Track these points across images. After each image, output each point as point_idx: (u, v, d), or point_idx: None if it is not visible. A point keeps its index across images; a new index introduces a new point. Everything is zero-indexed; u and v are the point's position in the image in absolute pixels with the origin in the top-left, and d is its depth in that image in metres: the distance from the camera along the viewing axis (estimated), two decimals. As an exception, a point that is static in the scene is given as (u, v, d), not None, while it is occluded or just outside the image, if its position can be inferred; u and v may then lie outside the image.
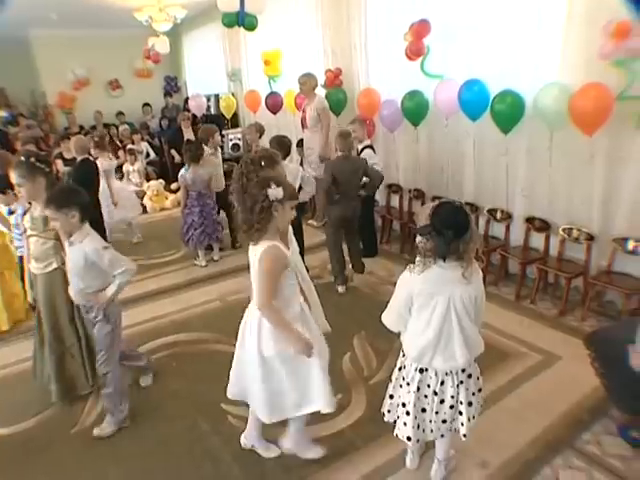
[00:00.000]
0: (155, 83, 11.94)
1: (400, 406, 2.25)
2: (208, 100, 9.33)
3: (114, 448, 2.87)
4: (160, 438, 2.91)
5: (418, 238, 2.00)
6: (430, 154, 5.30)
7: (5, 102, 11.10)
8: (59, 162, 7.60)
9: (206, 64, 10.52)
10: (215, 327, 4.09)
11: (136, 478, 2.67)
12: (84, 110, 10.81)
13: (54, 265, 3.03)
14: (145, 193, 7.89)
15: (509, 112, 4.11)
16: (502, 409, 2.90)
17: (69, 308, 3.10)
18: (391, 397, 2.35)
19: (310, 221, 6.55)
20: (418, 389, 2.14)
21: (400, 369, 2.28)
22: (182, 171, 5.28)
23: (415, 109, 5.00)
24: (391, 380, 2.38)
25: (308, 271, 4.31)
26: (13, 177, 2.90)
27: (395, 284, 2.18)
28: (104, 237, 5.53)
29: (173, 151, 8.57)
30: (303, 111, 6.16)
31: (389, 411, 2.37)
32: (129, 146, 8.53)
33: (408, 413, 2.17)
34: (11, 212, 4.17)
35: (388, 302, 2.22)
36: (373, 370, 3.41)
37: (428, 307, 2.01)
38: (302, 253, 4.20)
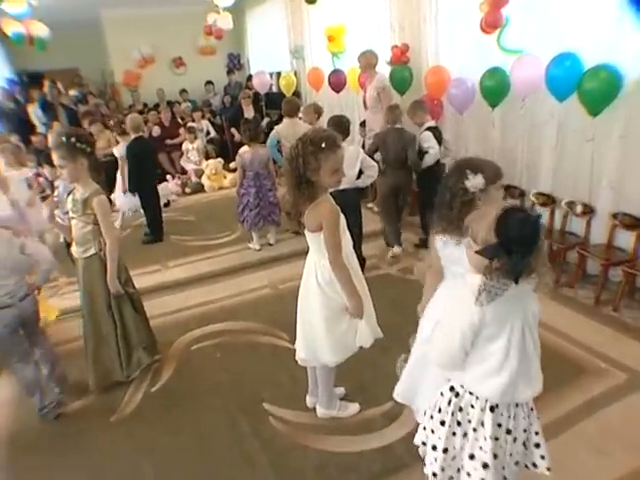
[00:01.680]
0: (218, 60, 11.87)
1: (466, 460, 1.72)
2: (270, 77, 9.16)
3: (151, 439, 2.77)
4: (198, 434, 2.77)
5: (472, 255, 1.54)
6: (503, 138, 4.83)
7: (78, 82, 11.39)
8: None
9: (269, 41, 10.31)
10: (263, 317, 3.92)
11: (169, 474, 2.55)
12: (149, 88, 10.92)
13: (92, 250, 2.93)
14: (203, 172, 7.82)
15: (601, 90, 3.59)
16: (577, 436, 2.52)
17: (106, 295, 3.00)
18: (434, 448, 1.80)
19: (370, 204, 6.23)
20: (496, 438, 1.67)
21: (448, 412, 1.75)
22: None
23: (496, 88, 4.51)
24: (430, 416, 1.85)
25: (365, 262, 4.10)
26: (55, 159, 2.78)
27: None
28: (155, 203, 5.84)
29: (233, 129, 8.50)
30: (365, 90, 5.86)
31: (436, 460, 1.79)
32: (189, 124, 8.47)
33: (486, 466, 1.67)
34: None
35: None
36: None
37: (502, 336, 1.59)
38: (360, 241, 4.00)
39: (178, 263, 5.16)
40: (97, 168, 2.93)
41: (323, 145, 2.16)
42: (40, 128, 8.73)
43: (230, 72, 11.32)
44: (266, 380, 3.17)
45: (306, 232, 2.35)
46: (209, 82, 10.80)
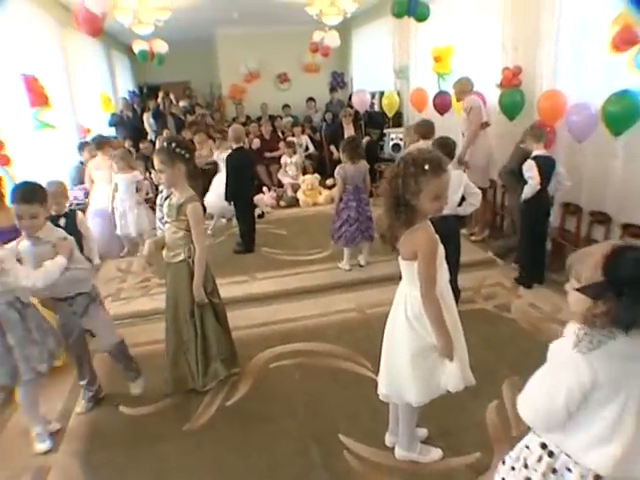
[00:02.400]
0: (322, 78, 12.06)
1: None
2: (373, 97, 9.12)
3: (219, 456, 2.70)
4: (267, 457, 2.66)
5: (574, 296, 1.32)
6: (626, 169, 4.36)
7: (188, 94, 12.05)
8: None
9: (373, 60, 10.32)
10: (347, 341, 3.76)
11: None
12: (252, 102, 11.32)
13: (181, 256, 2.95)
14: (299, 186, 7.87)
15: None
16: None
17: (190, 303, 3.00)
18: None
19: (473, 237, 5.91)
20: None
21: (538, 470, 1.49)
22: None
23: (622, 114, 4.05)
24: None
25: (459, 294, 3.83)
26: (155, 163, 2.84)
27: (561, 323, 1.57)
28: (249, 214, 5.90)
29: (332, 147, 8.50)
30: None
31: None
32: (289, 138, 8.59)
33: None
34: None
35: (548, 344, 1.47)
36: (524, 429, 2.78)
37: (615, 400, 1.32)
38: (456, 272, 3.75)
39: (267, 276, 5.14)
40: (194, 175, 2.95)
41: (426, 167, 1.98)
42: (151, 135, 9.30)
43: (333, 90, 11.43)
44: (344, 410, 3.00)
45: (400, 259, 2.20)
46: (311, 99, 10.97)
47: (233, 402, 3.14)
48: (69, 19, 7.59)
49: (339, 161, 8.18)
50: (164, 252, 3.05)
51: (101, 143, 5.91)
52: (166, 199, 3.02)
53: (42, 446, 2.81)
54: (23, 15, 6.07)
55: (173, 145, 2.79)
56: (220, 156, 6.09)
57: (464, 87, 5.50)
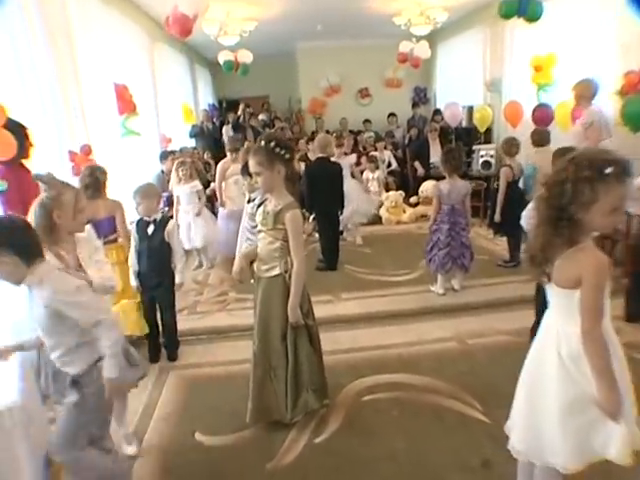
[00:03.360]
0: (404, 93, 11.69)
1: None
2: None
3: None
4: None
5: None
6: None
7: (267, 108, 12.04)
8: (302, 164, 7.74)
9: (460, 73, 9.83)
10: (448, 375, 3.29)
11: None
12: (332, 116, 11.12)
13: (277, 270, 2.61)
14: (382, 203, 7.48)
15: None
16: None
17: (283, 324, 2.65)
18: None
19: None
20: None
21: None
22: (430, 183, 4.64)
23: None
24: None
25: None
26: (251, 165, 2.53)
27: None
28: (332, 229, 5.56)
29: (417, 163, 8.09)
30: (575, 125, 5.07)
31: None
32: (371, 153, 8.24)
33: None
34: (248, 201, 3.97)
35: None
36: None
37: None
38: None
39: (352, 296, 4.76)
40: (294, 179, 2.63)
41: (607, 171, 1.53)
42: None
43: (415, 105, 11.03)
44: (452, 458, 2.55)
45: (551, 286, 1.75)
46: (392, 114, 10.60)
47: (323, 439, 2.76)
48: (158, 32, 7.71)
49: (424, 178, 7.90)
50: (255, 265, 2.73)
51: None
52: (259, 206, 2.71)
53: (131, 448, 2.66)
54: (116, 27, 6.13)
55: (272, 144, 2.47)
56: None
57: (584, 91, 4.91)
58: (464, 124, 8.58)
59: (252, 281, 3.26)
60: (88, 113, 4.83)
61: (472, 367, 3.40)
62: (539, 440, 1.82)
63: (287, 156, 2.51)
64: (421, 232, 6.85)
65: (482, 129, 7.64)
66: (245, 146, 5.41)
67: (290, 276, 2.58)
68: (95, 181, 3.69)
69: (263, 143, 2.48)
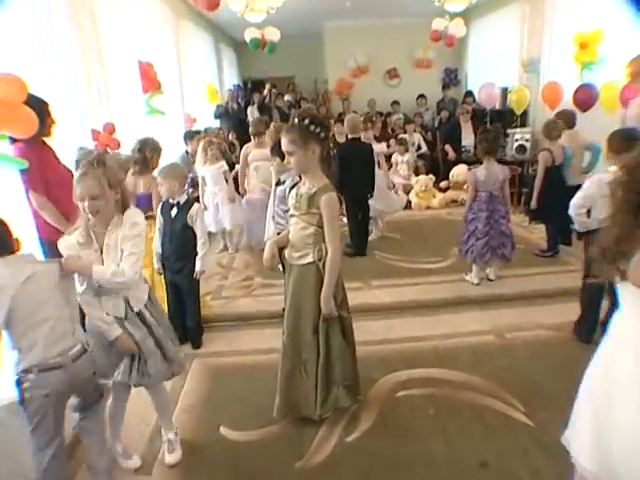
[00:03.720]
0: (433, 74, 11.28)
1: None
2: (493, 93, 8.30)
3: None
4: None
5: None
6: None
7: (292, 88, 11.80)
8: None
9: (495, 53, 9.38)
10: (487, 372, 3.10)
11: None
12: (359, 97, 10.77)
13: (309, 258, 2.43)
14: (412, 187, 7.23)
15: None
16: None
17: (316, 315, 2.47)
18: None
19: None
20: None
21: None
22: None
23: None
24: None
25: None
26: (283, 143, 2.34)
27: None
28: (361, 213, 5.31)
29: (448, 146, 7.80)
30: (626, 107, 4.71)
31: None
32: (400, 135, 7.96)
33: None
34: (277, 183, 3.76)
35: None
36: None
37: None
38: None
39: (382, 284, 4.56)
40: (329, 160, 2.44)
41: None
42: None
43: (445, 87, 10.64)
44: (496, 464, 2.37)
45: (624, 284, 1.53)
46: (421, 96, 10.24)
47: (355, 438, 2.61)
48: (183, 9, 7.52)
49: (455, 162, 7.61)
50: (287, 251, 2.56)
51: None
52: (292, 188, 2.53)
53: (172, 457, 2.50)
54: (141, 3, 5.95)
55: (307, 121, 2.27)
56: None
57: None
58: (497, 106, 8.22)
59: (280, 268, 3.11)
60: (112, 91, 4.68)
61: (511, 363, 3.21)
62: (618, 460, 1.58)
63: (322, 135, 2.32)
64: (451, 218, 6.65)
65: (519, 111, 7.28)
66: (272, 126, 5.21)
67: (324, 264, 2.40)
68: (143, 158, 3.63)
69: (296, 120, 2.30)
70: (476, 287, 4.41)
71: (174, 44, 7.29)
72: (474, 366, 3.18)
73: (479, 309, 4.01)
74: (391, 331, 3.70)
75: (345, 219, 5.38)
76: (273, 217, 3.93)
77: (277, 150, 3.53)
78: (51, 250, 2.97)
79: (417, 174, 7.58)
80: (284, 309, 2.65)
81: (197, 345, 3.62)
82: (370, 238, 5.65)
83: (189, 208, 3.42)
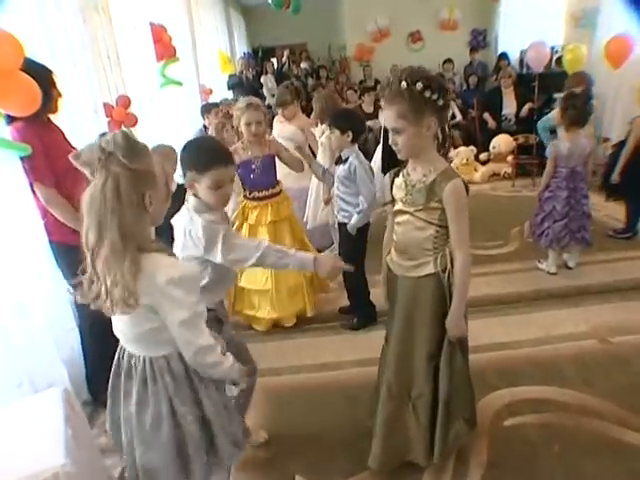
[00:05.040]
0: (459, 37, 10.45)
1: None
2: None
3: None
4: None
5: None
6: None
7: (306, 55, 11.07)
8: None
9: (532, 8, 8.46)
10: (606, 390, 2.53)
11: None
12: (381, 63, 9.95)
13: (429, 268, 1.82)
14: (451, 160, 6.56)
15: None
16: None
17: (433, 337, 1.88)
18: None
19: None
20: None
21: None
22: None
23: None
24: None
25: None
26: (389, 118, 1.72)
27: None
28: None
29: (487, 115, 7.11)
30: None
31: None
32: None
33: None
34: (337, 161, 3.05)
35: None
36: None
37: None
38: None
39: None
40: (445, 136, 1.81)
41: None
42: (269, 100, 8.48)
43: (473, 50, 9.85)
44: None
45: None
46: (448, 60, 9.47)
47: (467, 487, 2.04)
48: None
49: (495, 132, 6.93)
50: (390, 258, 1.95)
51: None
52: (395, 177, 1.90)
53: None
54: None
55: (420, 85, 1.62)
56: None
57: None
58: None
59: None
60: (123, 57, 4.01)
61: (631, 378, 2.63)
62: None
63: (441, 102, 1.67)
64: (497, 194, 6.09)
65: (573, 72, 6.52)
66: (319, 93, 4.51)
67: (449, 275, 1.79)
68: None
69: (405, 84, 1.64)
70: (554, 277, 3.81)
71: (185, 5, 6.52)
72: (587, 383, 2.61)
73: (564, 305, 3.42)
74: (471, 336, 3.09)
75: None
76: (326, 202, 3.32)
77: (336, 121, 2.89)
78: (65, 255, 2.38)
79: (454, 146, 6.90)
80: (386, 338, 2.06)
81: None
82: None
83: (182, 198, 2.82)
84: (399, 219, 1.86)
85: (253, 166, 3.12)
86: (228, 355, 1.51)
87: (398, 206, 1.85)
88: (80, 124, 3.16)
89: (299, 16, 9.77)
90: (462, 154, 6.55)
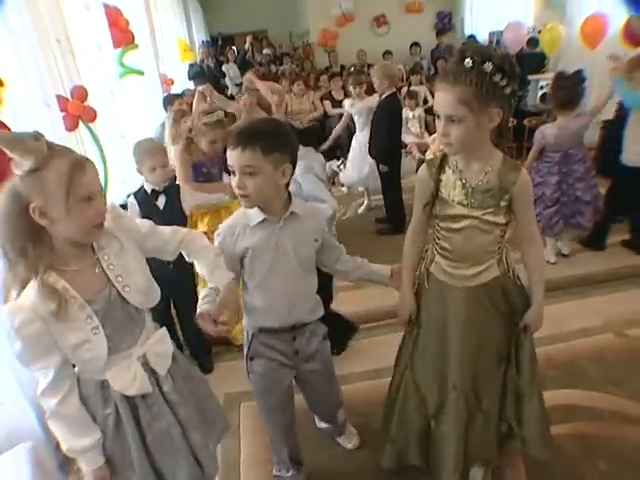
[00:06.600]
0: (425, 20, 10.26)
1: None
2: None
3: None
4: None
5: None
6: None
7: (267, 42, 10.70)
8: (327, 103, 6.63)
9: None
10: (631, 389, 2.34)
11: None
12: (346, 49, 9.72)
13: (494, 271, 1.60)
14: (427, 147, 6.33)
15: None
16: None
17: (502, 340, 1.69)
18: None
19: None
20: None
21: None
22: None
23: None
24: None
25: None
26: (442, 103, 1.42)
27: None
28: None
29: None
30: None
31: None
32: (411, 87, 6.99)
33: None
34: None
35: None
36: None
37: None
38: None
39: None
40: (504, 128, 1.49)
41: None
42: (231, 89, 8.13)
43: (440, 33, 9.67)
44: None
45: None
46: (415, 44, 9.26)
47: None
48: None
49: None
50: (445, 269, 1.65)
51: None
52: (438, 176, 1.59)
53: None
54: None
55: (490, 67, 1.31)
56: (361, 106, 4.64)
57: None
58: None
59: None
60: (76, 45, 3.57)
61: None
62: None
63: (508, 90, 1.37)
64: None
65: (551, 54, 6.39)
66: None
67: (513, 273, 1.63)
68: None
69: (471, 62, 1.32)
70: (555, 267, 3.61)
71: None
72: (615, 383, 2.41)
73: (571, 297, 3.24)
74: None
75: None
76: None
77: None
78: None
79: (429, 132, 6.67)
80: (412, 354, 1.79)
81: (208, 369, 2.75)
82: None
83: (177, 193, 2.59)
84: (456, 225, 1.56)
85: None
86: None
87: (456, 210, 1.54)
88: (31, 120, 2.74)
89: (259, 2, 9.41)
90: (438, 140, 6.32)
